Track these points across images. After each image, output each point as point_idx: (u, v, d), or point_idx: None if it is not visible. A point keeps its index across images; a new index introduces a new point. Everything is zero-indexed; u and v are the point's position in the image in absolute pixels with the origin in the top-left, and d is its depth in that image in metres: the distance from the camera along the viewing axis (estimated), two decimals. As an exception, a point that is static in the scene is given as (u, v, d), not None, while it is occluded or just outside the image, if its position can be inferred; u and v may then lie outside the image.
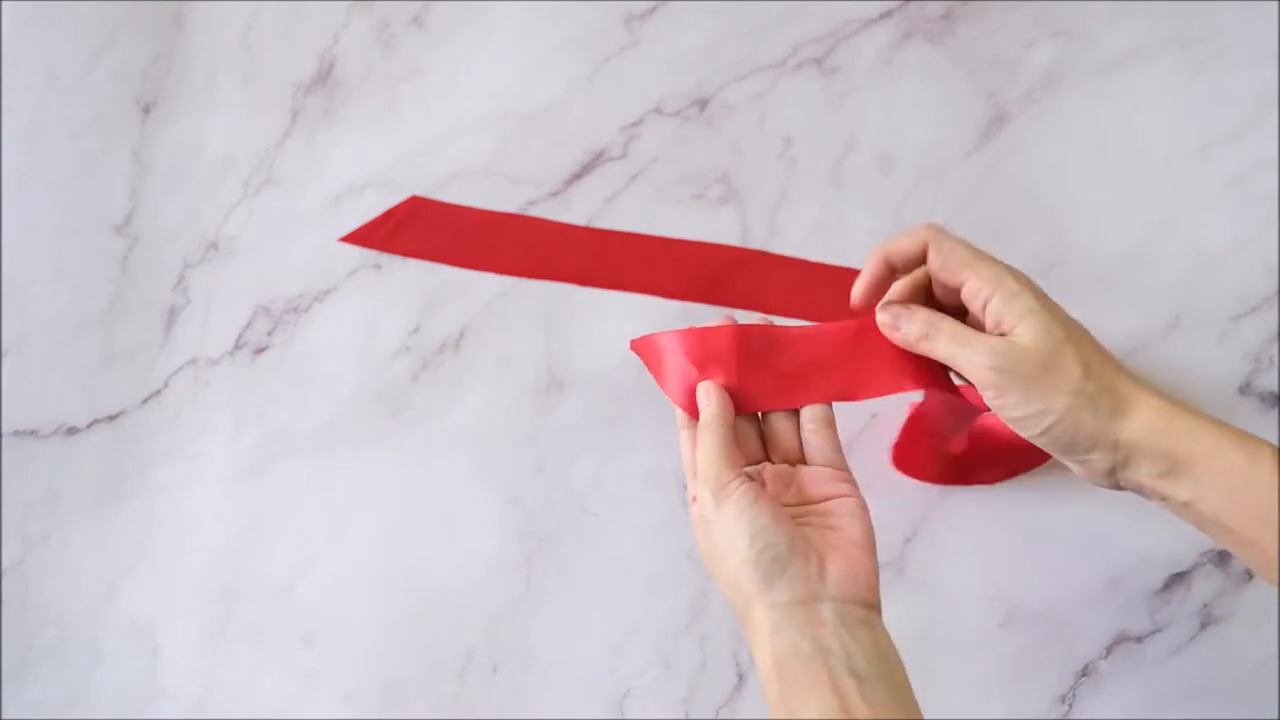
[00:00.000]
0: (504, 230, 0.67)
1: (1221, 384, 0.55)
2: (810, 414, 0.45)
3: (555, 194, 0.66)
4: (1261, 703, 0.52)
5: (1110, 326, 0.56)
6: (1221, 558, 0.54)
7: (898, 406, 0.59)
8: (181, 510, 0.69)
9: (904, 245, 0.44)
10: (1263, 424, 0.54)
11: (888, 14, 0.63)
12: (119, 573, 0.69)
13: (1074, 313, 0.44)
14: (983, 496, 0.57)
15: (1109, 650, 0.54)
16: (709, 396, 0.44)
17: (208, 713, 0.66)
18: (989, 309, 0.42)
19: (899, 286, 0.46)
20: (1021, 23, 0.61)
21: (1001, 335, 0.41)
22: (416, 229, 0.68)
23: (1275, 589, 0.53)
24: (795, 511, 0.43)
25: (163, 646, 0.68)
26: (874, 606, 0.40)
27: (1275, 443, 0.53)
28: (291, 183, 0.71)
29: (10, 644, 0.71)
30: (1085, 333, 0.42)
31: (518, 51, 0.68)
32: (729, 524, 0.40)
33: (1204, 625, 0.54)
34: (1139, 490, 0.41)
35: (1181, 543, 0.54)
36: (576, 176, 0.66)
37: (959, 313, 0.44)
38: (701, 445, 0.43)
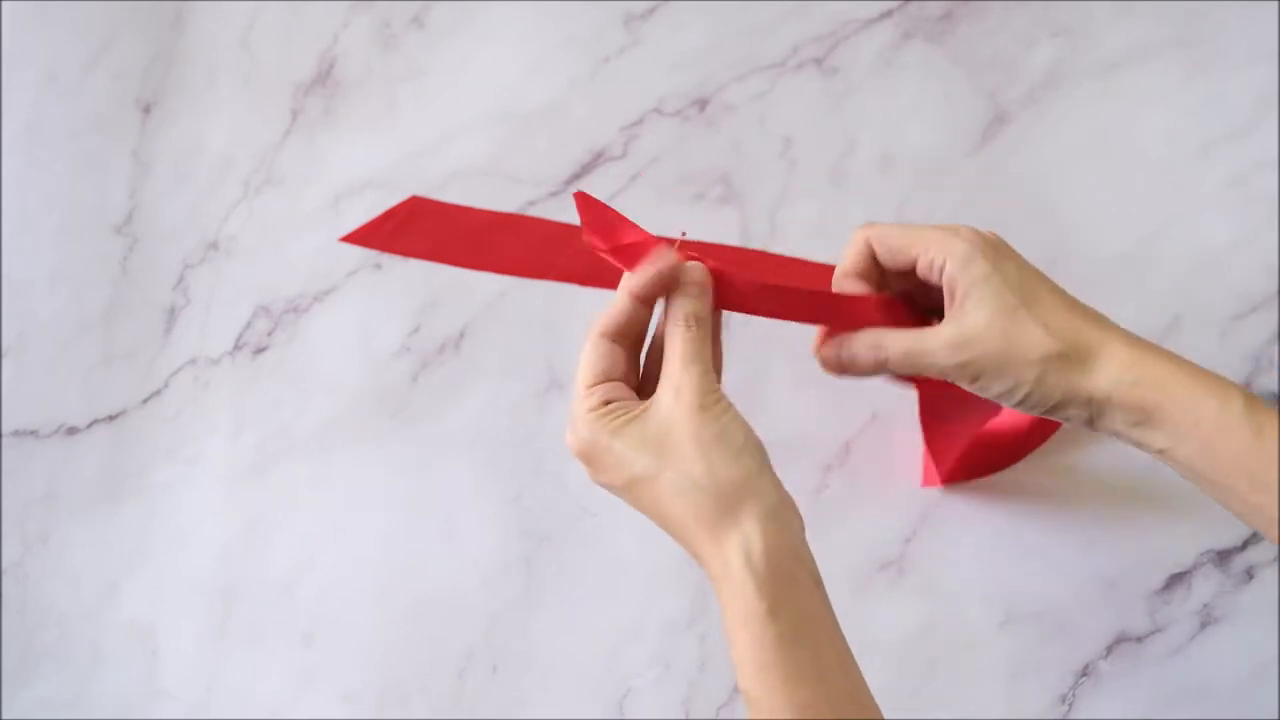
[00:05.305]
0: (504, 230, 0.67)
1: (1221, 384, 0.55)
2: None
3: (555, 194, 0.66)
4: (1261, 703, 0.52)
5: (1110, 326, 0.57)
6: (1221, 558, 0.54)
7: (897, 407, 0.59)
8: (181, 510, 0.69)
9: (854, 258, 0.44)
10: (1263, 424, 0.54)
11: (888, 14, 0.63)
12: (119, 573, 0.69)
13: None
14: (983, 496, 0.57)
15: (1109, 650, 0.54)
16: (705, 289, 0.42)
17: (208, 713, 0.66)
18: (945, 276, 0.41)
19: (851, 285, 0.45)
20: (1021, 23, 0.61)
21: (957, 308, 0.41)
22: (416, 229, 0.68)
23: (1275, 589, 0.53)
24: None
25: (163, 646, 0.68)
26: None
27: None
28: (291, 183, 0.71)
29: (10, 644, 0.71)
30: (1041, 283, 0.42)
31: (518, 51, 0.68)
32: (720, 419, 0.39)
33: (1204, 625, 0.54)
34: (1116, 438, 0.41)
35: (1181, 543, 0.54)
36: (576, 176, 0.66)
37: (918, 303, 0.44)
38: (698, 343, 0.41)
